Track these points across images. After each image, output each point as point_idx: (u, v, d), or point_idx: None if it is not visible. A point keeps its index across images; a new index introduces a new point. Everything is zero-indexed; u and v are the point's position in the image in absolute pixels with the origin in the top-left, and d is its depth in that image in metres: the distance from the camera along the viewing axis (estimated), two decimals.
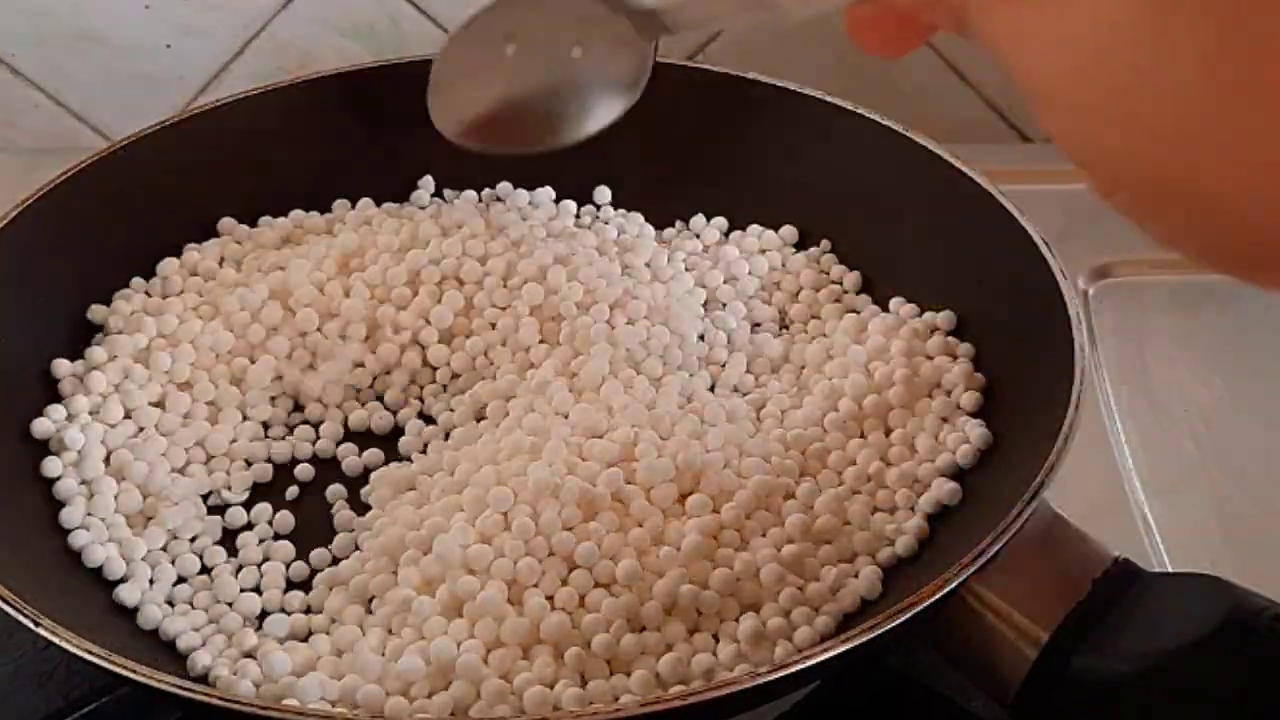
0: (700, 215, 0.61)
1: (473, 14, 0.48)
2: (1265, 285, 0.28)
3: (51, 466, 0.51)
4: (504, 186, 0.62)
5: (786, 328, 0.58)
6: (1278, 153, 0.24)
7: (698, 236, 0.61)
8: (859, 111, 0.58)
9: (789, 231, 0.60)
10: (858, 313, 0.57)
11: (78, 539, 0.49)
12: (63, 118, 0.76)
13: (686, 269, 0.59)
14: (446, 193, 0.62)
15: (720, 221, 0.61)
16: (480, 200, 0.62)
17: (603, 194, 0.62)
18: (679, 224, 0.61)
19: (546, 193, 0.62)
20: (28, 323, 0.53)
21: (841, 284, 0.58)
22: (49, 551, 0.48)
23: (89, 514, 0.50)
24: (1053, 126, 0.28)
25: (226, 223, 0.60)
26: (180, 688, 0.40)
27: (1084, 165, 0.28)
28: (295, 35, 0.73)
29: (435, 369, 0.56)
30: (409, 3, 0.73)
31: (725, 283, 0.59)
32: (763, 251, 0.60)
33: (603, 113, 0.49)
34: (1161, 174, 0.26)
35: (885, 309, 0.56)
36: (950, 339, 0.54)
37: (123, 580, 0.48)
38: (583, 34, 0.47)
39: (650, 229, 0.61)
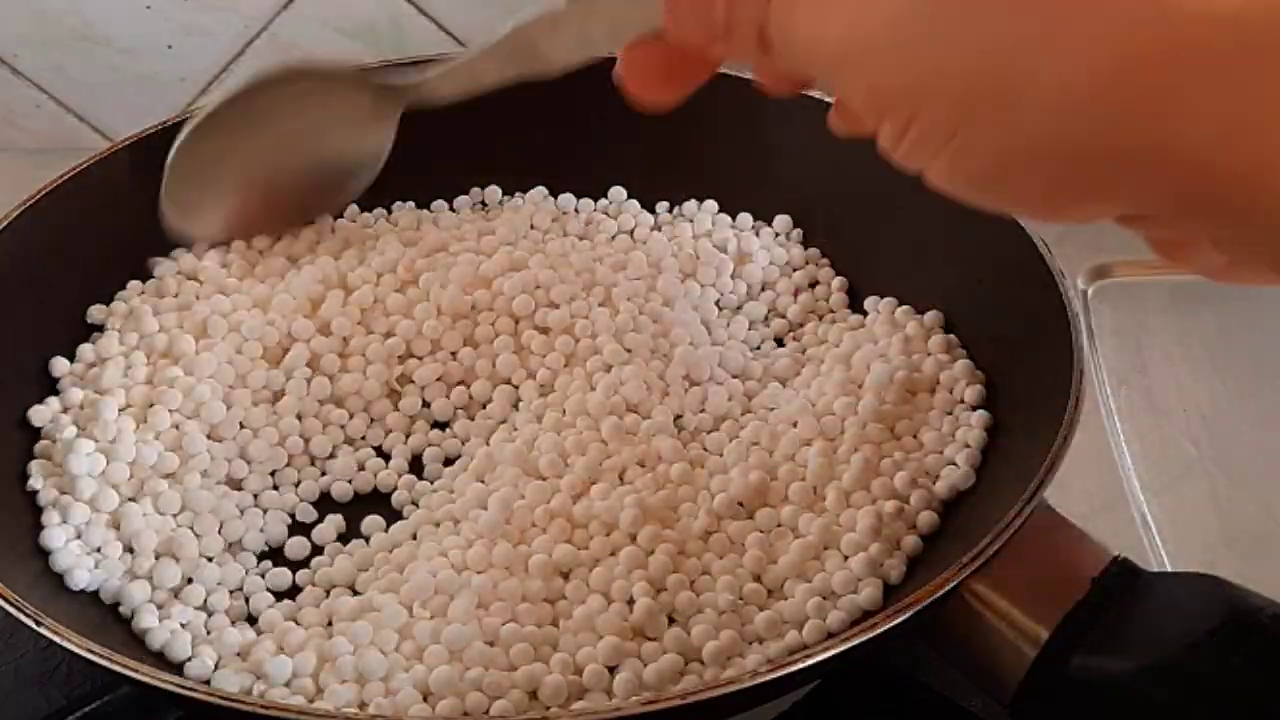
0: (692, 201, 0.62)
1: (205, 107, 0.49)
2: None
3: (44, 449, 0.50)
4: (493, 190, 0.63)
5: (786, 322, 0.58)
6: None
7: (691, 221, 0.61)
8: None
9: (787, 230, 0.60)
10: (859, 312, 0.57)
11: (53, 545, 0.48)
12: (64, 118, 0.76)
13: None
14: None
15: (723, 219, 0.61)
16: (483, 203, 0.63)
17: (618, 194, 0.62)
18: (675, 211, 0.62)
19: (540, 192, 0.62)
20: (28, 323, 0.53)
21: (840, 283, 0.59)
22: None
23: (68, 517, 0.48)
24: (859, 84, 0.33)
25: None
26: (180, 687, 0.40)
27: (885, 110, 0.32)
28: (296, 35, 0.73)
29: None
30: (409, 3, 0.73)
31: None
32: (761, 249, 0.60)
33: (348, 189, 0.52)
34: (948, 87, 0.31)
35: (883, 310, 0.57)
36: (950, 338, 0.54)
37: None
38: (325, 115, 0.49)
39: (649, 216, 0.62)
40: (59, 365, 0.53)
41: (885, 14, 0.31)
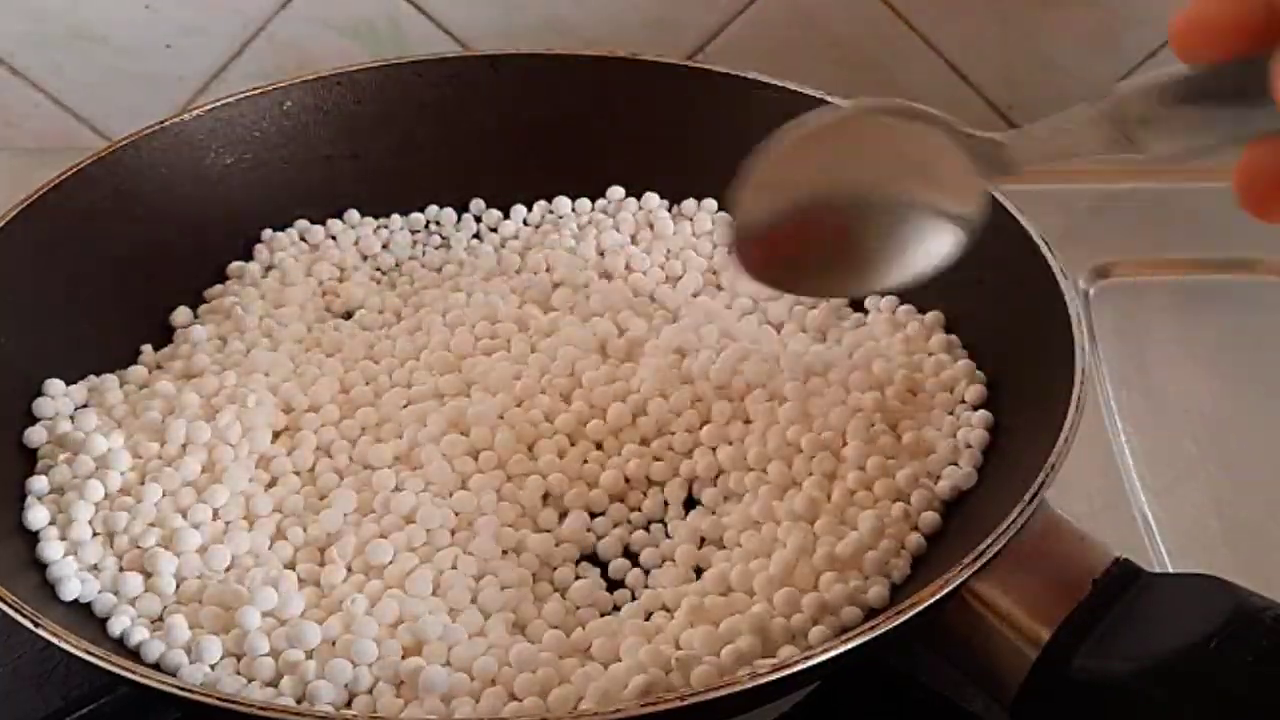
0: (691, 200, 0.62)
1: (789, 129, 0.43)
2: None
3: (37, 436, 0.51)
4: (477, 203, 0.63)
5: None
6: None
7: (691, 220, 0.61)
8: None
9: None
10: (859, 311, 0.57)
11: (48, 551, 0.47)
12: (63, 118, 0.76)
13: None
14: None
15: (723, 218, 0.61)
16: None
17: (615, 193, 0.62)
18: (675, 209, 0.62)
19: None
20: (27, 323, 0.53)
21: None
22: None
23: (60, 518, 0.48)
24: None
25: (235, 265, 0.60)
26: (179, 688, 0.40)
27: None
28: (295, 35, 0.73)
29: None
30: (409, 3, 0.73)
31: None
32: None
33: (920, 259, 0.42)
34: None
35: (884, 309, 0.56)
36: (951, 338, 0.54)
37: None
38: (913, 165, 0.41)
39: (647, 216, 0.62)
40: (54, 386, 0.53)
41: None
